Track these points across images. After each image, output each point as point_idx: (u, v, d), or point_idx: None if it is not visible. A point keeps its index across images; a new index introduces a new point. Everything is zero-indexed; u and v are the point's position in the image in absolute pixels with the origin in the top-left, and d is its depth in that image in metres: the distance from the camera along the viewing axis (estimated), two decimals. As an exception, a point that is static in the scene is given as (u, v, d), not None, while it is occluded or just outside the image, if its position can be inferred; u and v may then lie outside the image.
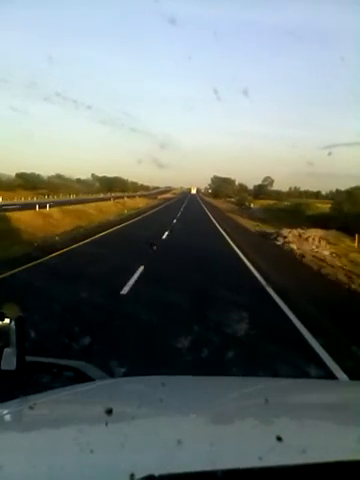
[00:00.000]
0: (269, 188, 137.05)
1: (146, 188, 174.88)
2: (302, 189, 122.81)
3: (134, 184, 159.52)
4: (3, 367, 1.14)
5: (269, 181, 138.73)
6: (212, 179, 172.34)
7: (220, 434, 0.87)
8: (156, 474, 0.61)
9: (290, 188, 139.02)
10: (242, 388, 1.31)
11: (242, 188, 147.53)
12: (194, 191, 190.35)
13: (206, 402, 1.13)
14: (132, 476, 0.61)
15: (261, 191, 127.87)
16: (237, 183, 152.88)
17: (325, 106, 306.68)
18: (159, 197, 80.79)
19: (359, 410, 1.09)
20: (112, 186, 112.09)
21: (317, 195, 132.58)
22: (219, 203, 79.22)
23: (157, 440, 0.82)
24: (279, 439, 0.73)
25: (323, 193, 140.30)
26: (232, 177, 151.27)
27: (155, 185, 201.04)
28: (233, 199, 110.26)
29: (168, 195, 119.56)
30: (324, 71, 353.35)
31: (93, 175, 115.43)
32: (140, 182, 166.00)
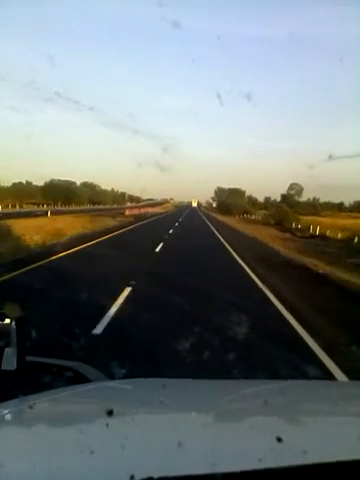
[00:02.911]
0: (297, 198, 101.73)
1: (137, 199, 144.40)
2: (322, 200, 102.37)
3: (120, 195, 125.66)
4: (3, 367, 1.15)
5: (297, 190, 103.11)
6: (216, 191, 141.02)
7: (220, 436, 0.86)
8: (156, 476, 0.60)
9: (308, 199, 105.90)
10: (241, 390, 1.30)
11: (251, 200, 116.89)
12: (195, 204, 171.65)
13: (206, 404, 1.12)
14: (132, 478, 0.61)
15: (287, 202, 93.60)
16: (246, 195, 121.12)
17: (327, 117, 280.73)
18: (128, 213, 43.07)
19: (359, 410, 1.09)
20: (71, 196, 75.21)
21: (340, 207, 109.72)
22: (240, 224, 42.05)
23: (157, 442, 0.81)
24: (279, 440, 0.73)
25: (346, 205, 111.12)
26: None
27: (150, 197, 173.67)
28: (254, 216, 74.84)
29: (156, 209, 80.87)
30: (329, 81, 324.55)
31: (52, 180, 78.83)
32: (130, 193, 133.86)
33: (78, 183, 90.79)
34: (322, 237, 29.65)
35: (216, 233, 26.64)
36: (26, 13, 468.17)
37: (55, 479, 0.65)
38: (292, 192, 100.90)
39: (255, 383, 1.60)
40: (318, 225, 38.53)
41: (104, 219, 30.02)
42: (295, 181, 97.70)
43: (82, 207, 68.07)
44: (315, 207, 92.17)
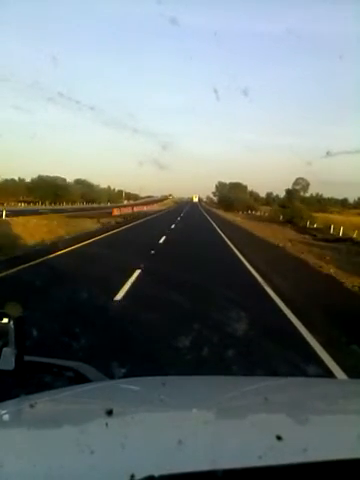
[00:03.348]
0: (302, 194, 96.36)
1: (135, 197, 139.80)
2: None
3: (117, 193, 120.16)
4: (1, 367, 1.15)
5: (302, 185, 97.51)
6: (217, 185, 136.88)
7: (220, 434, 0.87)
8: (156, 474, 0.60)
9: (311, 194, 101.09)
10: (242, 387, 1.30)
11: (252, 196, 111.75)
12: (196, 199, 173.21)
13: (206, 402, 1.13)
14: (132, 477, 0.61)
15: (292, 198, 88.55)
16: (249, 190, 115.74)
17: (327, 113, 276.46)
18: (116, 213, 35.53)
19: (359, 408, 1.09)
20: (60, 193, 69.39)
21: (343, 203, 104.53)
22: (248, 222, 36.42)
23: (157, 440, 0.81)
24: (279, 438, 0.73)
25: (351, 201, 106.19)
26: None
27: (149, 194, 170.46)
28: (259, 213, 69.70)
29: (154, 207, 74.30)
30: (328, 78, 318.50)
31: (39, 176, 72.93)
32: (128, 191, 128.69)
33: (71, 180, 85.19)
34: (351, 241, 24.17)
35: (223, 236, 21.02)
36: (27, 13, 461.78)
37: (55, 479, 0.65)
38: (297, 187, 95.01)
39: (255, 380, 1.58)
40: (333, 224, 33.20)
41: (83, 221, 24.47)
42: (295, 177, 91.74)
43: (69, 206, 62.50)
44: (322, 203, 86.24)
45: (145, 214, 42.07)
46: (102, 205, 76.71)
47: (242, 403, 1.14)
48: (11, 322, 1.15)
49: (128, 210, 44.39)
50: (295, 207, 43.01)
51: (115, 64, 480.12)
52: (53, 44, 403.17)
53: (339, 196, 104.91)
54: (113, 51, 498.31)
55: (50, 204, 63.62)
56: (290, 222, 40.30)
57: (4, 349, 1.15)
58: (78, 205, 68.98)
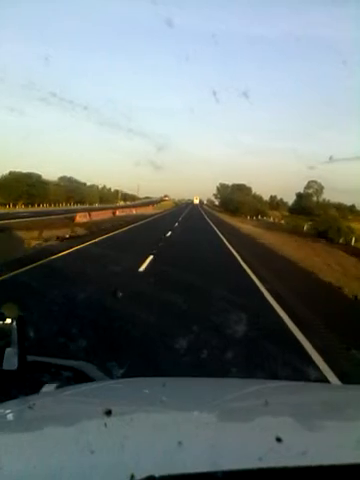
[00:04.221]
0: (315, 199, 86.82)
1: (132, 198, 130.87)
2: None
3: (112, 193, 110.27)
4: (5, 367, 1.15)
5: (315, 188, 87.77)
6: (218, 187, 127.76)
7: (220, 435, 0.87)
8: (156, 475, 0.60)
9: (324, 199, 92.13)
10: (242, 389, 1.32)
11: (256, 199, 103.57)
12: (197, 201, 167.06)
13: (206, 403, 1.13)
14: (132, 477, 0.61)
15: (304, 203, 79.37)
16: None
17: (328, 118, 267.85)
18: (79, 220, 24.76)
19: (358, 413, 1.10)
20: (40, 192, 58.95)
21: (352, 209, 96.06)
22: (270, 235, 25.94)
23: (157, 441, 0.81)
24: (279, 440, 0.73)
25: (357, 207, 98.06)
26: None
27: (148, 195, 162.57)
28: (272, 219, 59.63)
29: (148, 209, 62.31)
30: (329, 82, 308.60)
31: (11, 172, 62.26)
32: (125, 191, 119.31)
33: (56, 178, 74.61)
34: None
35: (251, 275, 9.87)
36: (19, 13, 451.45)
37: (55, 479, 0.65)
38: (310, 191, 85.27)
39: (255, 382, 1.59)
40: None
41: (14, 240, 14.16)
42: (298, 180, 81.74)
43: (40, 208, 52.19)
44: (341, 210, 75.13)
45: (129, 220, 30.58)
46: (96, 206, 66.79)
47: (242, 405, 1.13)
48: (13, 322, 1.14)
49: (106, 215, 33.96)
50: (329, 216, 32.46)
51: (111, 64, 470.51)
52: (46, 43, 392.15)
53: (343, 202, 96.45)
54: (109, 50, 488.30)
55: (26, 206, 53.55)
56: (322, 235, 30.24)
57: (7, 349, 1.14)
58: (62, 207, 59.03)
